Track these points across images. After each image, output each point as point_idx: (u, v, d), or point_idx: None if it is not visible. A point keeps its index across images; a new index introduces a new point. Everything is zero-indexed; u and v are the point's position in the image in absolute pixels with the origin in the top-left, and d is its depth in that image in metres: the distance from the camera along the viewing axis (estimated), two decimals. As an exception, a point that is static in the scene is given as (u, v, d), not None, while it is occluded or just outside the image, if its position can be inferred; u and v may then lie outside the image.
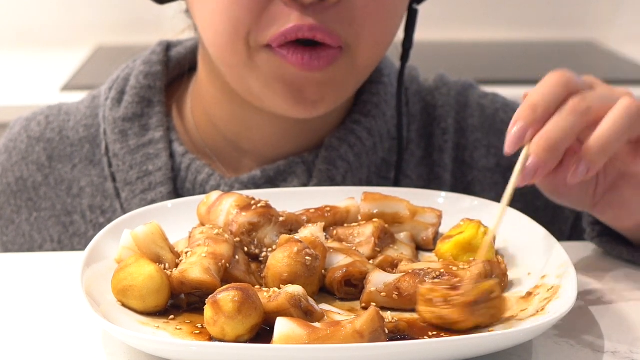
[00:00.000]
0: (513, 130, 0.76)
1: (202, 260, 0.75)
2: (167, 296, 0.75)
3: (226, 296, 0.69)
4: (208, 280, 0.74)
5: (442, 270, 0.76)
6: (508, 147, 0.76)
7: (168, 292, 0.75)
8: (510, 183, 0.76)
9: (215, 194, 0.85)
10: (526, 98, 0.77)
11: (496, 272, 0.78)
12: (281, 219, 0.82)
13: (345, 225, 0.86)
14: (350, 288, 0.78)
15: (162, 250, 0.78)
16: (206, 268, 0.75)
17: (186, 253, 0.77)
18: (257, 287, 0.76)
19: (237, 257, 0.78)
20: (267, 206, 0.83)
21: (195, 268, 0.74)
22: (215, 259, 0.76)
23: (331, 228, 0.86)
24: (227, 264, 0.77)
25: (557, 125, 0.75)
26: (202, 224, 0.84)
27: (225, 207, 0.83)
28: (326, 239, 0.82)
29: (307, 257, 0.76)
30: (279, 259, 0.76)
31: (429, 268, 0.76)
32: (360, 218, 0.87)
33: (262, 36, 0.89)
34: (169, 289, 0.75)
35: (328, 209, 0.87)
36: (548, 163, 0.75)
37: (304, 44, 0.89)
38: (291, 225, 0.83)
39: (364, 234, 0.84)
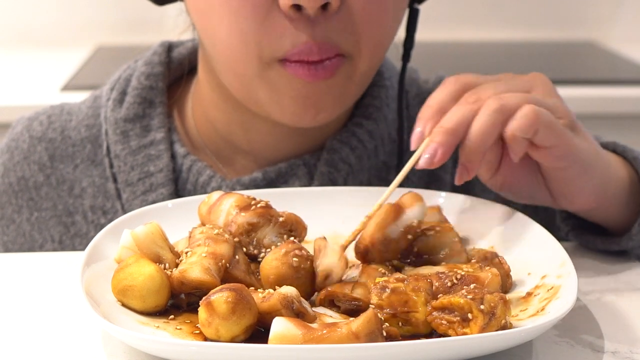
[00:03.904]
0: (416, 130, 0.84)
1: (202, 260, 0.75)
2: (167, 296, 0.75)
3: (220, 297, 0.69)
4: (208, 280, 0.74)
5: (462, 274, 0.75)
6: (412, 144, 0.83)
7: (168, 292, 0.75)
8: (406, 165, 0.83)
9: (216, 194, 0.85)
10: (426, 102, 0.85)
11: (500, 272, 0.77)
12: (281, 219, 0.82)
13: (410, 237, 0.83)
14: (333, 308, 0.76)
15: (162, 250, 0.78)
16: (206, 268, 0.75)
17: (186, 253, 0.77)
18: (254, 287, 0.76)
19: (237, 257, 0.78)
20: (267, 206, 0.83)
21: (195, 268, 0.74)
22: (215, 258, 0.76)
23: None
24: (227, 264, 0.77)
25: (450, 115, 0.82)
26: (203, 224, 0.84)
27: (226, 207, 0.83)
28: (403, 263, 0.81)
29: (294, 259, 0.76)
30: (268, 261, 0.76)
31: (442, 273, 0.75)
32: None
33: (275, 50, 0.89)
34: (169, 289, 0.75)
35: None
36: (443, 146, 0.81)
37: None
38: (291, 226, 0.83)
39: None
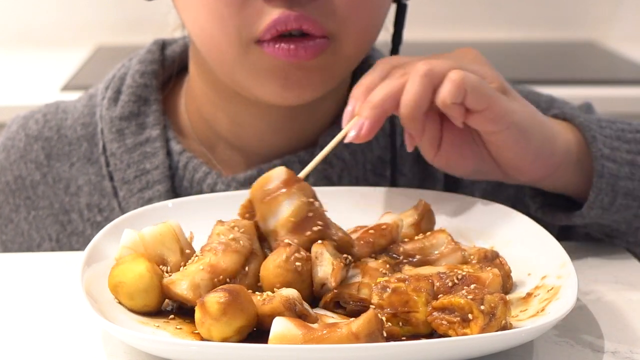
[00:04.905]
0: (346, 109, 0.85)
1: (195, 274, 0.74)
2: (157, 297, 0.74)
3: (212, 297, 0.69)
4: (190, 298, 0.73)
5: (463, 274, 0.75)
6: (343, 122, 0.85)
7: (158, 294, 0.74)
8: (333, 139, 0.85)
9: (276, 179, 0.80)
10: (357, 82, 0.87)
11: (500, 273, 0.77)
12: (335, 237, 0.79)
13: (406, 240, 0.83)
14: (339, 310, 0.76)
15: (169, 251, 0.78)
16: (195, 284, 0.74)
17: (194, 257, 0.77)
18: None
19: (246, 268, 0.77)
20: (325, 226, 0.79)
21: (183, 282, 0.74)
22: (212, 273, 0.75)
23: (392, 246, 0.82)
24: (228, 279, 0.75)
25: (377, 90, 0.84)
26: (249, 204, 0.81)
27: (283, 213, 0.79)
28: (394, 258, 0.80)
29: (297, 263, 0.75)
30: (270, 270, 0.75)
31: (443, 273, 0.75)
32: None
33: (252, 31, 0.89)
34: (159, 290, 0.74)
35: (384, 226, 0.82)
36: (369, 119, 0.83)
37: (290, 35, 0.89)
38: (345, 249, 0.79)
39: (438, 245, 0.82)
